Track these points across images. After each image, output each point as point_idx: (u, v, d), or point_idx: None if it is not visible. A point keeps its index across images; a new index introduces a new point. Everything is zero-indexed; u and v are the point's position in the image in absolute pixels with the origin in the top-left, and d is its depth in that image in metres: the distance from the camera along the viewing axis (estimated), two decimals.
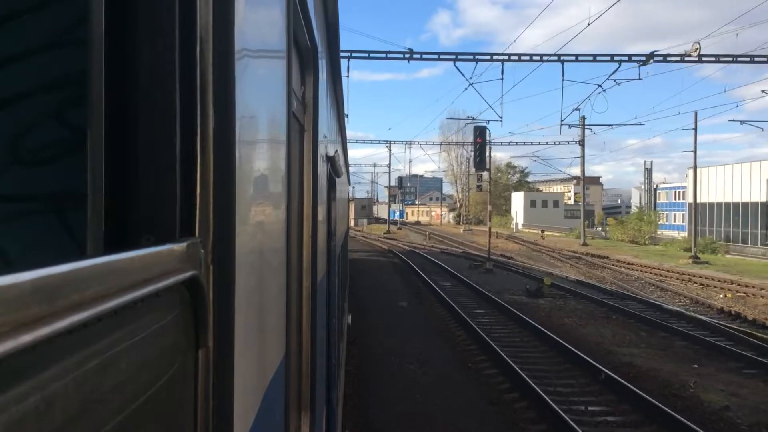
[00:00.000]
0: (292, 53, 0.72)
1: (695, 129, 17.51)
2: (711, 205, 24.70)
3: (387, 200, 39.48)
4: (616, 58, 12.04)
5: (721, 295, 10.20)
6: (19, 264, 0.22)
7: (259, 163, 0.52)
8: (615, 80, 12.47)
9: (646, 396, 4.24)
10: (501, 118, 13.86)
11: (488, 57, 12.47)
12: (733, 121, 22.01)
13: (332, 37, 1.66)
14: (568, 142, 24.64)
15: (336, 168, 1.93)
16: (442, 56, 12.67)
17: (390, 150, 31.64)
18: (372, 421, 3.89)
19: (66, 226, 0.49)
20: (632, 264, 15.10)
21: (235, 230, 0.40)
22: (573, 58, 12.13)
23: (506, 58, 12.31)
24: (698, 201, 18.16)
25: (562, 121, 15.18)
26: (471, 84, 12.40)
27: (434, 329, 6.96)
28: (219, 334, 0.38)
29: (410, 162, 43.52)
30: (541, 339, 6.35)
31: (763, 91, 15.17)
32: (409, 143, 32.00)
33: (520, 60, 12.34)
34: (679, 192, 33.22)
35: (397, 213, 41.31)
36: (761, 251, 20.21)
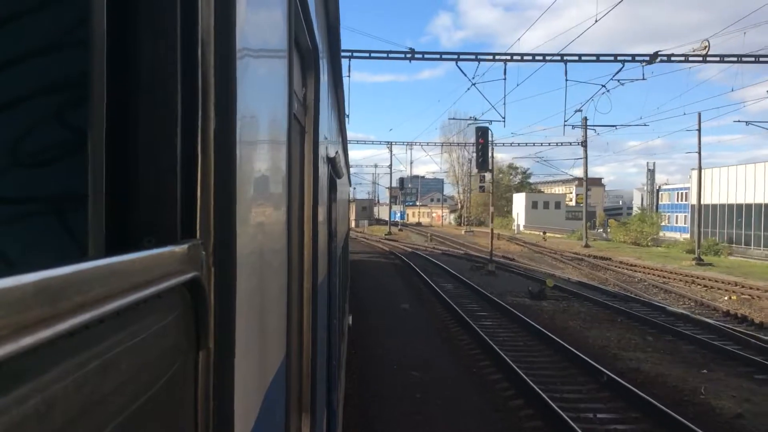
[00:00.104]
0: (293, 54, 0.72)
1: (699, 130, 17.44)
2: (714, 206, 24.67)
3: (388, 201, 39.48)
4: (619, 58, 11.96)
5: (726, 298, 10.07)
6: (20, 266, 0.22)
7: (260, 165, 0.52)
8: (619, 80, 12.40)
9: (656, 403, 4.09)
10: (504, 118, 13.76)
11: (491, 57, 12.37)
12: (739, 121, 22.05)
13: (333, 39, 1.67)
14: (571, 143, 24.62)
15: (337, 169, 1.94)
16: (444, 56, 12.56)
17: (391, 151, 31.92)
18: None
19: (67, 228, 0.49)
20: (635, 266, 15.01)
21: (236, 232, 0.40)
22: (576, 58, 12.01)
23: (509, 58, 12.19)
24: (702, 202, 17.94)
25: (565, 121, 15.39)
26: (473, 84, 12.33)
27: (437, 332, 6.87)
28: (220, 335, 0.38)
29: (411, 163, 43.77)
30: (546, 343, 6.25)
31: None
32: (410, 144, 32.08)
33: (522, 60, 12.25)
34: (681, 193, 33.09)
35: (398, 214, 41.24)
36: (765, 253, 20.22)
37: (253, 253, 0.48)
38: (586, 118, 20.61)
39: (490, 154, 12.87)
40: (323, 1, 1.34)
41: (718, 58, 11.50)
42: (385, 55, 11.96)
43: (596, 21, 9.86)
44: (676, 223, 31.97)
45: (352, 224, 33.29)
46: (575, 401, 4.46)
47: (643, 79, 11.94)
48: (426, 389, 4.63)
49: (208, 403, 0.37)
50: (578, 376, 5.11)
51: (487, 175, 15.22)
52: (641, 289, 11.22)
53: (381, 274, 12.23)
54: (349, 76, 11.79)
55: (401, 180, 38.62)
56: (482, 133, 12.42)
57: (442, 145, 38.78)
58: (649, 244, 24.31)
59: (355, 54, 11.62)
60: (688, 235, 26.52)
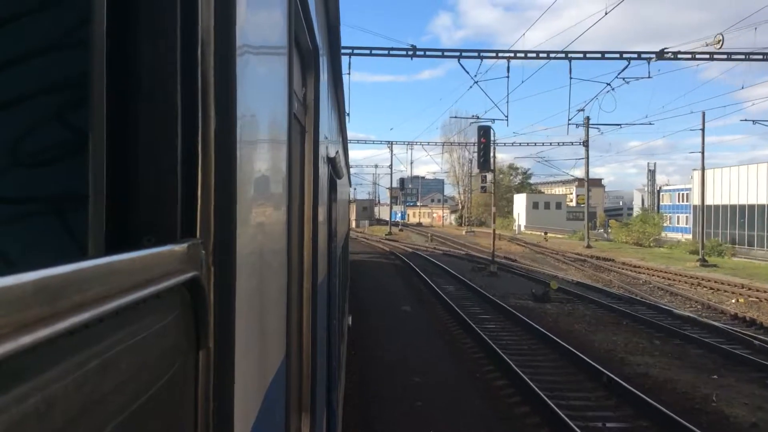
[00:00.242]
0: (293, 54, 0.72)
1: (703, 129, 17.28)
2: (716, 207, 24.62)
3: (388, 201, 39.53)
4: (625, 55, 11.78)
5: (733, 300, 9.90)
6: (20, 265, 0.22)
7: (260, 165, 0.52)
8: (624, 78, 12.19)
9: (667, 411, 3.94)
10: (507, 117, 13.60)
11: (494, 54, 12.21)
12: (745, 120, 21.99)
13: (333, 38, 1.67)
14: (572, 143, 24.56)
15: (337, 169, 1.94)
16: (446, 53, 12.32)
17: (392, 150, 31.78)
18: None
19: (67, 228, 0.49)
20: (638, 267, 14.87)
21: (236, 231, 0.40)
22: (581, 55, 11.83)
23: (512, 55, 12.01)
24: (702, 203, 17.72)
25: (569, 120, 14.88)
26: (476, 82, 12.19)
27: (439, 336, 6.74)
28: (220, 335, 0.38)
29: (411, 163, 43.53)
30: (551, 347, 6.12)
31: None
32: (411, 144, 31.97)
33: (526, 57, 12.07)
34: (682, 194, 33.05)
35: (399, 214, 41.34)
36: None
37: (253, 252, 0.48)
38: (588, 117, 20.54)
39: (492, 154, 12.73)
40: (323, 1, 1.33)
41: (725, 56, 11.32)
42: (386, 52, 11.76)
43: (606, 13, 9.58)
44: (678, 223, 31.94)
45: (353, 224, 33.07)
46: (583, 408, 4.32)
47: (649, 77, 11.76)
48: (427, 395, 4.50)
49: (208, 402, 0.37)
50: (585, 382, 4.98)
51: (489, 175, 14.92)
52: (646, 291, 11.08)
53: (381, 275, 12.16)
54: (349, 74, 11.67)
55: (402, 180, 38.66)
56: (484, 132, 12.31)
57: (443, 145, 38.45)
58: (652, 244, 24.22)
59: (355, 51, 11.45)
60: (689, 236, 26.40)
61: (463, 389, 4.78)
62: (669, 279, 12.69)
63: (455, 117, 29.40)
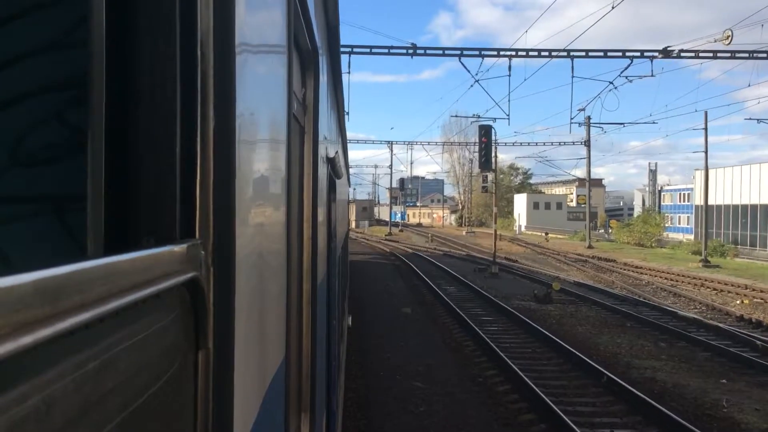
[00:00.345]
0: (292, 55, 0.72)
1: (705, 129, 17.21)
2: (718, 207, 24.51)
3: (388, 202, 39.44)
4: (627, 53, 11.67)
5: (738, 301, 9.77)
6: (19, 265, 0.22)
7: (260, 165, 0.52)
8: (627, 77, 12.08)
9: (677, 418, 3.84)
10: (508, 116, 13.87)
11: (495, 53, 12.07)
12: (750, 119, 22.01)
13: (333, 39, 1.67)
14: (573, 143, 24.52)
15: (336, 169, 1.94)
16: (446, 51, 12.24)
17: (392, 150, 31.75)
18: None
19: (66, 228, 0.49)
20: (641, 267, 14.79)
21: (236, 232, 0.40)
22: (583, 53, 11.73)
23: (514, 53, 11.88)
24: (705, 203, 17.66)
25: (572, 119, 14.76)
26: (477, 81, 12.04)
27: (440, 338, 6.62)
28: (219, 335, 0.38)
29: (411, 163, 43.63)
30: (555, 349, 6.00)
31: None
32: (411, 144, 31.93)
33: (528, 55, 11.94)
34: (684, 194, 32.94)
35: (399, 215, 41.24)
36: None
37: (252, 253, 0.48)
38: (589, 117, 20.57)
39: (493, 154, 12.61)
40: (323, 2, 1.33)
41: (729, 54, 11.20)
42: (386, 50, 11.62)
43: (613, 8, 9.34)
44: (679, 223, 31.85)
45: (352, 225, 33.22)
46: (590, 414, 4.22)
47: (652, 75, 11.66)
48: (430, 400, 4.38)
49: (208, 403, 0.37)
50: (591, 387, 4.86)
51: (490, 175, 14.80)
52: (649, 292, 10.96)
53: (382, 276, 12.08)
54: (349, 72, 11.51)
55: (402, 180, 38.63)
56: (485, 131, 12.22)
57: (444, 145, 38.44)
58: (653, 245, 24.13)
59: (355, 49, 11.31)
60: (691, 236, 26.34)
61: (466, 394, 4.65)
62: (672, 280, 12.61)
63: (456, 116, 29.69)
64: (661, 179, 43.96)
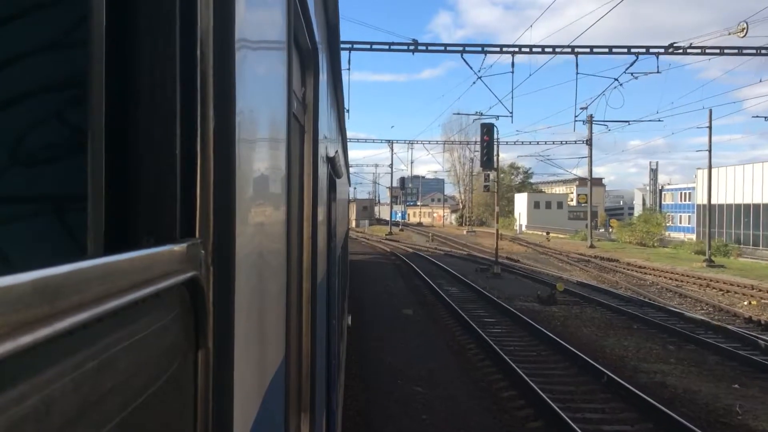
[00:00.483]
0: (292, 54, 0.72)
1: (710, 127, 17.01)
2: (720, 206, 24.45)
3: (389, 201, 39.60)
4: (633, 50, 11.50)
5: (745, 302, 9.63)
6: (20, 265, 0.22)
7: (260, 164, 0.52)
8: (632, 74, 11.94)
9: (691, 426, 3.70)
10: (511, 113, 13.29)
11: (498, 49, 11.89)
12: (757, 117, 21.84)
13: (333, 38, 1.66)
14: (576, 142, 24.39)
15: (336, 169, 1.93)
16: (448, 48, 12.02)
17: (392, 149, 31.81)
18: None
19: (66, 227, 0.49)
20: (644, 267, 14.66)
21: (236, 231, 0.40)
22: (587, 50, 11.49)
23: (517, 50, 11.71)
24: (709, 202, 17.56)
25: (576, 117, 14.99)
26: (479, 77, 11.93)
27: (442, 341, 6.47)
28: (219, 335, 0.38)
29: (412, 163, 42.50)
30: (561, 352, 5.86)
31: None
32: (412, 143, 31.92)
33: (531, 52, 11.74)
34: (685, 193, 33.03)
35: (399, 214, 41.06)
36: None
37: (252, 252, 0.48)
38: (591, 116, 20.43)
39: (495, 152, 12.44)
40: (322, 0, 1.33)
41: (736, 50, 11.06)
42: (387, 46, 11.38)
43: (621, 0, 9.41)
44: (680, 223, 31.91)
45: (353, 224, 33.33)
46: (599, 422, 4.08)
47: (658, 71, 11.52)
48: (432, 407, 4.23)
49: (207, 402, 0.37)
50: (599, 392, 4.72)
51: (492, 174, 14.63)
52: (654, 293, 10.81)
53: (382, 276, 11.98)
54: (349, 69, 11.28)
55: (402, 180, 38.61)
56: (487, 130, 12.07)
57: (444, 144, 38.27)
58: (656, 244, 24.01)
59: (355, 45, 11.10)
60: (692, 236, 26.41)
61: (470, 400, 4.50)
62: (677, 280, 12.47)
63: (458, 113, 29.16)
64: (661, 178, 44.25)
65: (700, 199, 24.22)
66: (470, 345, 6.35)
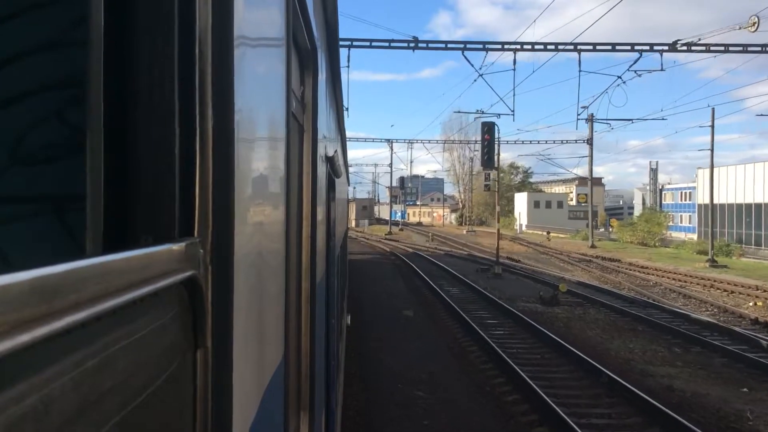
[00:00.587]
0: (291, 53, 0.72)
1: (712, 126, 16.95)
2: (722, 206, 24.35)
3: (388, 201, 39.22)
4: (636, 47, 11.34)
5: (751, 303, 9.53)
6: (18, 264, 0.22)
7: (258, 164, 0.52)
8: (636, 71, 11.79)
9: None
10: (513, 111, 13.13)
11: (499, 46, 11.69)
12: (762, 115, 21.66)
13: (332, 37, 1.67)
14: (576, 141, 24.31)
15: (335, 168, 1.93)
16: (449, 45, 11.84)
17: (392, 148, 31.45)
18: None
19: (65, 227, 0.49)
20: (646, 268, 14.58)
21: (234, 230, 0.40)
22: (590, 47, 11.34)
23: (519, 47, 11.53)
24: (711, 202, 17.45)
25: (578, 116, 14.39)
26: (480, 75, 11.74)
27: (443, 343, 6.35)
28: (217, 334, 0.38)
29: (411, 162, 42.91)
30: (565, 355, 5.75)
31: None
32: (411, 142, 31.72)
33: (533, 49, 11.57)
34: (685, 193, 32.77)
35: (399, 214, 41.01)
36: None
37: (251, 252, 0.48)
38: (592, 115, 20.27)
39: (496, 151, 12.34)
40: (321, 0, 1.33)
41: (741, 48, 10.89)
42: (386, 44, 11.17)
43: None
44: (681, 222, 31.69)
45: (352, 224, 33.21)
46: (605, 428, 4.01)
47: (662, 69, 11.36)
48: (434, 412, 4.12)
49: (206, 402, 0.37)
50: (605, 397, 4.61)
51: (493, 173, 14.50)
52: (658, 294, 10.70)
53: (382, 277, 11.88)
54: (348, 66, 11.09)
55: (402, 179, 38.54)
56: (488, 128, 11.96)
57: (444, 143, 38.03)
58: (657, 244, 23.96)
59: (355, 43, 10.91)
60: (693, 235, 26.24)
61: (473, 406, 4.39)
62: (680, 280, 12.36)
63: (459, 111, 29.56)
64: (661, 178, 43.80)
65: (702, 198, 24.07)
66: (472, 347, 6.27)
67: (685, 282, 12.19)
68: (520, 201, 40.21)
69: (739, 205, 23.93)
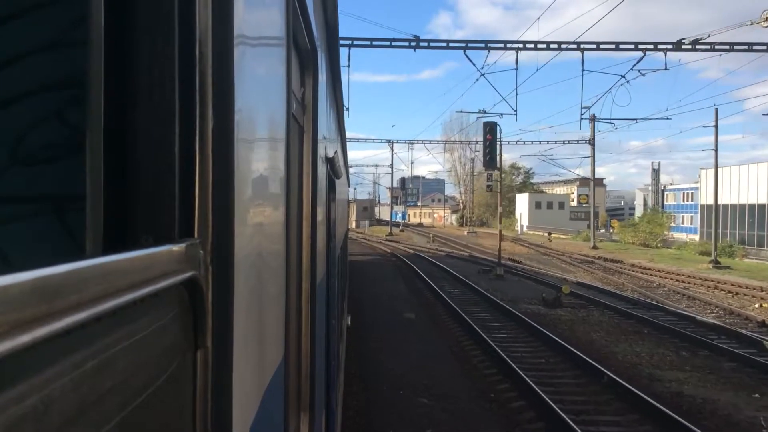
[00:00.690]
0: (291, 54, 0.72)
1: (716, 126, 16.80)
2: (724, 206, 24.26)
3: (389, 202, 39.65)
4: (640, 46, 11.20)
5: (756, 305, 9.36)
6: (18, 264, 0.22)
7: (259, 164, 0.52)
8: (640, 70, 11.63)
9: None
10: (516, 111, 12.94)
11: (501, 45, 11.50)
12: (767, 115, 21.26)
13: (332, 38, 1.67)
14: (578, 141, 24.25)
15: (335, 169, 1.93)
16: (451, 44, 11.63)
17: (392, 149, 31.44)
18: None
19: (65, 227, 0.49)
20: (649, 269, 14.44)
21: (234, 231, 0.40)
22: (594, 46, 11.18)
23: (521, 46, 11.35)
24: (715, 202, 17.34)
25: (582, 115, 14.30)
26: (482, 74, 11.54)
27: (446, 347, 6.21)
28: (218, 335, 0.38)
29: (412, 163, 42.16)
30: (570, 359, 5.62)
31: None
32: (412, 143, 31.55)
33: (536, 48, 11.39)
34: (687, 193, 32.64)
35: (400, 215, 40.97)
36: None
37: (251, 252, 0.48)
38: (594, 114, 20.17)
39: (498, 152, 12.26)
40: (321, 0, 1.33)
41: (746, 47, 10.75)
42: (387, 43, 10.96)
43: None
44: (683, 223, 31.57)
45: (353, 225, 33.13)
46: None
47: (666, 68, 11.19)
48: (438, 421, 3.99)
49: (207, 402, 0.37)
50: (613, 402, 4.49)
51: (494, 174, 14.34)
52: (662, 296, 10.52)
53: (383, 279, 11.74)
54: (348, 66, 10.97)
55: (402, 180, 38.57)
56: (490, 128, 11.87)
57: (445, 144, 38.00)
58: (659, 245, 23.84)
59: (355, 42, 10.75)
60: (695, 236, 26.14)
61: (478, 413, 4.25)
62: (683, 282, 12.23)
63: (461, 111, 29.26)
64: (663, 179, 43.17)
65: (704, 199, 24.01)
66: (475, 351, 6.15)
67: (689, 283, 12.08)
68: (522, 202, 40.13)
69: (742, 206, 23.96)
